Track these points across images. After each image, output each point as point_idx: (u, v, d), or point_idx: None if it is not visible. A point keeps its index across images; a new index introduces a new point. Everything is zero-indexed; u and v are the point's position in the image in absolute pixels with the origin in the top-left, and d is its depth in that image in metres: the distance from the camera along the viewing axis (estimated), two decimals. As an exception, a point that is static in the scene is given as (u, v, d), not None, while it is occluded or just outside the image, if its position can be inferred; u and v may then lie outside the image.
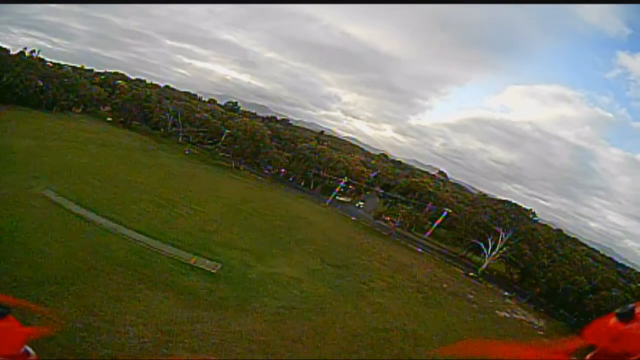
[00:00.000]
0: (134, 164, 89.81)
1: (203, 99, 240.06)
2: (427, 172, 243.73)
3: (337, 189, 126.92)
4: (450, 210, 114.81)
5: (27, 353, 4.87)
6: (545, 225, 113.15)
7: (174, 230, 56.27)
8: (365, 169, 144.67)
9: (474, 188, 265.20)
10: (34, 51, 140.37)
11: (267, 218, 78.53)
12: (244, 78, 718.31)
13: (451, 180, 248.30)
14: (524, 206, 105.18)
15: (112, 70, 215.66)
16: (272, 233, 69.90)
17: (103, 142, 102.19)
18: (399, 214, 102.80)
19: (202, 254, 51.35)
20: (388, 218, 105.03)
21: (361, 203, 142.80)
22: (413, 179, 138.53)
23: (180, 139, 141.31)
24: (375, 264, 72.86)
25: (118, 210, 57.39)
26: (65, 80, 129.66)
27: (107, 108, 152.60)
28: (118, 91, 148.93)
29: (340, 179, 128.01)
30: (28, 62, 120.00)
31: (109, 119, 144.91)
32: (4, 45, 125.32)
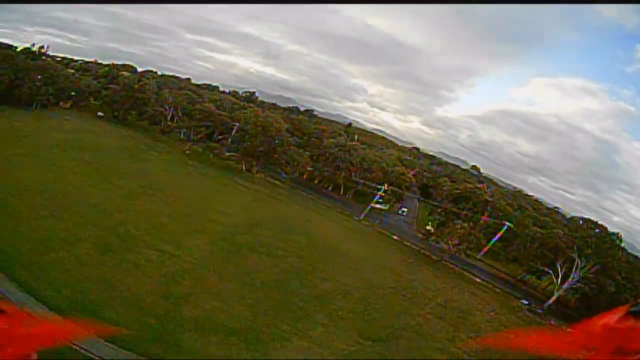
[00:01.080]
0: (104, 173, 68.67)
1: (221, 89, 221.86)
2: (457, 166, 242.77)
3: (376, 196, 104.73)
4: (511, 225, 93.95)
5: (27, 352, 4.14)
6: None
7: (116, 302, 34.75)
8: (405, 170, 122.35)
9: (501, 181, 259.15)
10: (42, 47, 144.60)
11: (278, 255, 55.87)
12: (268, 70, 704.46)
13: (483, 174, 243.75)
14: (609, 229, 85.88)
15: (120, 62, 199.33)
16: (283, 286, 47.29)
17: (77, 145, 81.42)
18: (456, 233, 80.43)
19: (154, 354, 29.53)
20: (443, 244, 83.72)
21: (404, 209, 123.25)
22: (467, 184, 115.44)
23: (182, 136, 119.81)
24: (430, 319, 51.82)
25: (39, 264, 37.41)
26: (45, 73, 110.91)
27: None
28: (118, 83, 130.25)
29: (378, 184, 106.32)
30: (2, 56, 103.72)
31: (100, 114, 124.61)
32: (14, 43, 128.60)
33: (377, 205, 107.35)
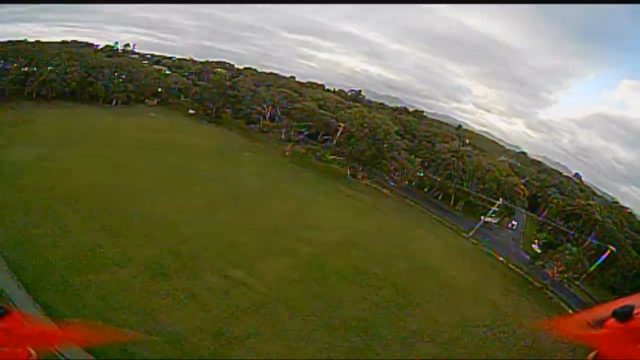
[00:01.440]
0: (184, 178, 64.60)
1: (327, 88, 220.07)
2: (560, 173, 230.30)
3: (489, 210, 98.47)
4: (614, 249, 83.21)
5: (27, 352, 4.78)
6: None
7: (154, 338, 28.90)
8: (518, 181, 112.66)
9: (598, 189, 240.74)
10: (127, 45, 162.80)
11: (370, 285, 48.31)
12: (374, 70, 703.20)
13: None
14: None
15: (216, 60, 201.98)
16: (366, 326, 39.73)
17: (159, 145, 78.73)
18: (566, 259, 74.03)
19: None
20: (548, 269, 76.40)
21: (514, 223, 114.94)
22: (579, 201, 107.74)
23: (282, 136, 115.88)
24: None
25: (73, 287, 32.96)
26: (122, 69, 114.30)
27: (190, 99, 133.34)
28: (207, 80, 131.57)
29: (491, 196, 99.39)
30: (71, 54, 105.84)
31: (191, 111, 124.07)
32: (95, 41, 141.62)
33: (488, 219, 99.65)
